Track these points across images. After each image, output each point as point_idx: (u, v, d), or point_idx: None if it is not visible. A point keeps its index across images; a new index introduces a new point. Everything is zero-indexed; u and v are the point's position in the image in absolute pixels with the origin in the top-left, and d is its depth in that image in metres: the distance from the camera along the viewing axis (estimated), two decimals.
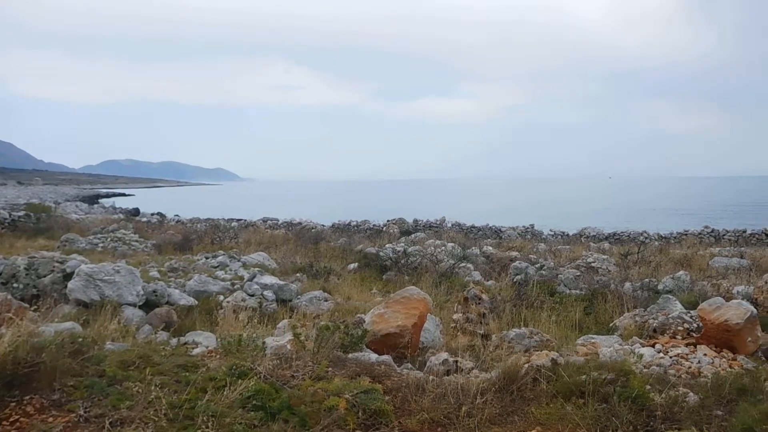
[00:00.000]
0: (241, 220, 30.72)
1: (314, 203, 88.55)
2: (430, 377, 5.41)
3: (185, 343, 7.37)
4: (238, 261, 12.64)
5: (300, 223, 27.86)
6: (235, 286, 10.45)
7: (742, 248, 19.94)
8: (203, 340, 7.54)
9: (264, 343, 6.23)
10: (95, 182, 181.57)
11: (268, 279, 10.51)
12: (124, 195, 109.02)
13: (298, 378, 5.27)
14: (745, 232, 25.23)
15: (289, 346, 6.24)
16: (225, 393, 4.63)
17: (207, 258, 12.94)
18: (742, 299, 9.53)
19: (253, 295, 9.91)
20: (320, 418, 4.50)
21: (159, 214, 35.19)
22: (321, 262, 14.27)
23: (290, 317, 8.88)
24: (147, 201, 75.78)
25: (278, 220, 29.97)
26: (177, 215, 34.33)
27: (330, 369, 5.48)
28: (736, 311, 6.92)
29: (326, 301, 10.16)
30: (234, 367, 5.12)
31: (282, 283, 10.48)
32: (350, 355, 5.96)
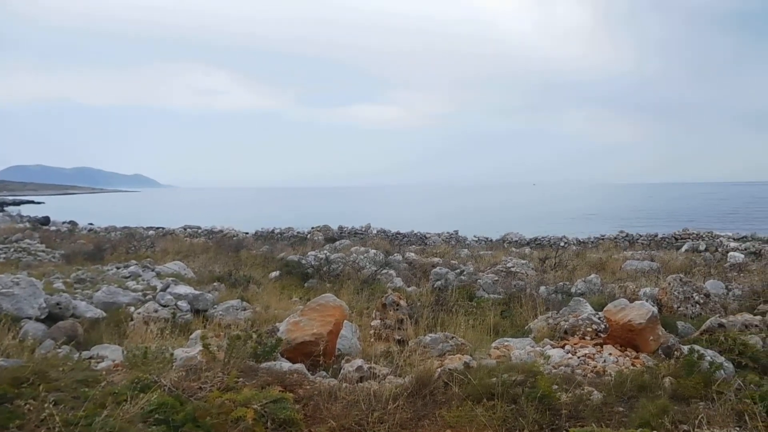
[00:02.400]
0: (159, 228, 29.69)
1: (238, 210, 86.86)
2: (344, 384, 5.36)
3: (90, 358, 7.02)
4: (152, 270, 12.16)
5: (221, 231, 27.20)
6: (147, 297, 10.04)
7: (653, 252, 20.94)
8: (109, 354, 7.22)
9: (172, 354, 6.00)
10: (0, 189, 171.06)
11: (183, 289, 10.16)
12: (33, 202, 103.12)
13: (205, 389, 5.12)
14: (656, 236, 26.43)
15: (199, 357, 6.05)
16: (125, 407, 4.44)
17: (118, 268, 12.38)
18: (647, 300, 10.00)
19: (166, 306, 9.55)
20: (227, 429, 4.39)
21: (71, 222, 33.51)
22: (241, 270, 13.94)
23: (205, 327, 8.61)
24: (59, 209, 72.00)
25: (199, 228, 29.16)
26: (91, 224, 32.80)
27: (240, 379, 5.35)
28: (638, 312, 7.23)
29: (244, 310, 9.92)
30: (136, 380, 4.91)
31: (198, 292, 10.16)
32: (263, 365, 5.82)
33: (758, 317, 8.71)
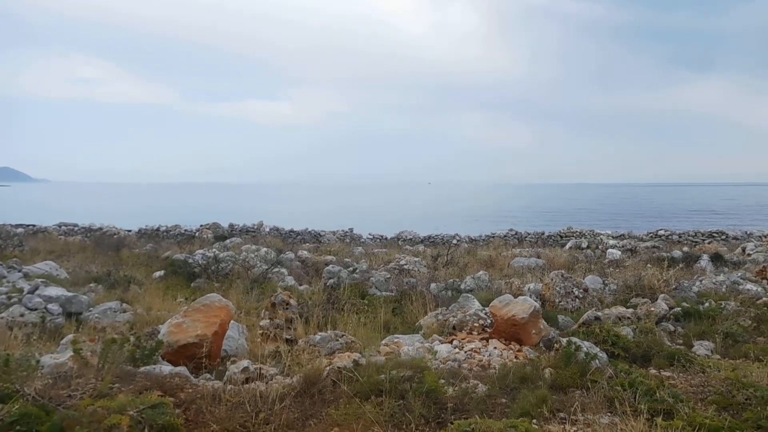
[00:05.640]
0: (30, 225, 27.37)
1: (120, 207, 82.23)
2: (228, 386, 5.16)
3: None
4: (19, 271, 11.17)
5: (101, 229, 25.54)
6: (12, 300, 9.19)
7: (540, 249, 21.91)
8: None
9: (39, 361, 5.52)
10: None
11: (54, 291, 9.39)
12: None
13: (76, 397, 4.75)
14: (543, 234, 27.75)
15: (70, 363, 5.61)
16: None
17: None
18: (531, 295, 10.44)
19: (34, 309, 8.80)
20: None
21: None
22: (121, 270, 13.15)
23: (78, 332, 8.01)
24: None
25: (76, 226, 27.23)
26: None
27: (116, 385, 5.01)
28: (522, 307, 7.52)
29: (124, 312, 9.35)
30: None
31: (71, 294, 9.43)
32: (141, 369, 5.49)
33: (630, 310, 9.36)
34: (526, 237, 27.29)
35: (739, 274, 13.09)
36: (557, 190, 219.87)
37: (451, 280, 13.21)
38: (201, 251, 16.25)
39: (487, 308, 8.31)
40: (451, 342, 7.44)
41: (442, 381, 5.35)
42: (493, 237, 27.25)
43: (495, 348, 7.10)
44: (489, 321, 8.07)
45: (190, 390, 5.11)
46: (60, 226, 27.16)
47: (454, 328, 8.16)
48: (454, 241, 26.15)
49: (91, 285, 11.41)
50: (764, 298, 10.21)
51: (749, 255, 18.37)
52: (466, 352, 6.95)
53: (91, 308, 9.36)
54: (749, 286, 11.33)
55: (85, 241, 21.04)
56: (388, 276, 13.65)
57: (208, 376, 5.81)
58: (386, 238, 27.81)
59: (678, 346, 7.51)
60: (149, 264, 15.01)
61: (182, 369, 5.58)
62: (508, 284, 12.43)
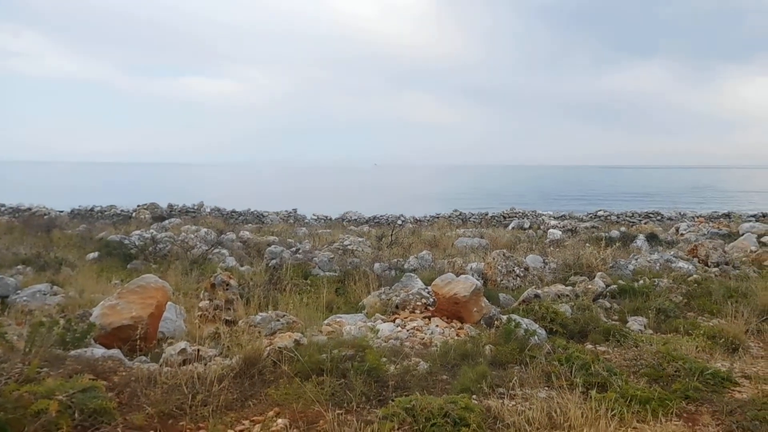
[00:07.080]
0: None
1: (51, 186, 78.69)
2: (165, 369, 5.01)
3: None
4: None
5: (29, 209, 24.40)
6: None
7: (483, 229, 22.23)
8: None
9: None
10: None
11: None
12: None
13: (0, 383, 4.51)
14: (487, 214, 28.17)
15: None
16: None
17: None
18: (474, 274, 10.58)
19: None
20: (25, 424, 3.90)
21: None
22: (52, 252, 12.60)
23: (5, 315, 7.63)
24: None
25: (3, 206, 25.91)
26: None
27: (44, 369, 4.79)
28: (463, 285, 7.60)
29: (55, 295, 8.96)
30: None
31: None
32: (72, 353, 5.27)
33: (569, 287, 9.61)
34: (470, 218, 27.61)
35: (672, 252, 13.64)
36: (506, 172, 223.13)
37: (395, 260, 13.23)
38: (138, 232, 15.76)
39: (429, 287, 8.35)
40: (393, 321, 7.46)
41: (384, 359, 5.35)
42: (438, 218, 27.47)
43: (437, 326, 7.15)
44: (431, 300, 8.11)
45: (124, 373, 4.94)
46: None
47: (396, 307, 8.17)
48: (399, 222, 26.24)
49: (19, 267, 10.90)
50: (695, 276, 10.67)
51: (682, 235, 19.19)
52: (408, 330, 6.98)
53: (19, 291, 8.94)
54: (681, 264, 11.81)
55: (13, 221, 20.06)
56: (332, 256, 13.58)
57: (144, 358, 5.63)
58: (331, 219, 27.67)
59: (613, 322, 7.76)
60: (82, 245, 14.44)
61: (116, 352, 5.39)
62: (450, 263, 12.54)
